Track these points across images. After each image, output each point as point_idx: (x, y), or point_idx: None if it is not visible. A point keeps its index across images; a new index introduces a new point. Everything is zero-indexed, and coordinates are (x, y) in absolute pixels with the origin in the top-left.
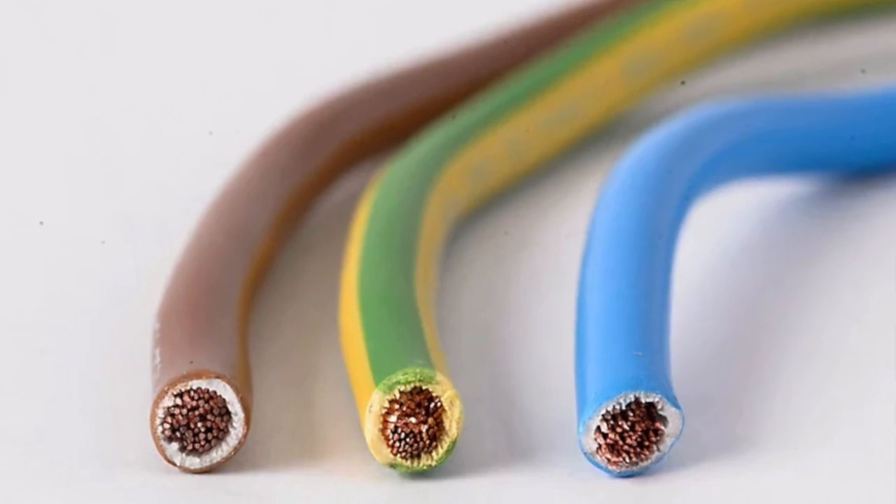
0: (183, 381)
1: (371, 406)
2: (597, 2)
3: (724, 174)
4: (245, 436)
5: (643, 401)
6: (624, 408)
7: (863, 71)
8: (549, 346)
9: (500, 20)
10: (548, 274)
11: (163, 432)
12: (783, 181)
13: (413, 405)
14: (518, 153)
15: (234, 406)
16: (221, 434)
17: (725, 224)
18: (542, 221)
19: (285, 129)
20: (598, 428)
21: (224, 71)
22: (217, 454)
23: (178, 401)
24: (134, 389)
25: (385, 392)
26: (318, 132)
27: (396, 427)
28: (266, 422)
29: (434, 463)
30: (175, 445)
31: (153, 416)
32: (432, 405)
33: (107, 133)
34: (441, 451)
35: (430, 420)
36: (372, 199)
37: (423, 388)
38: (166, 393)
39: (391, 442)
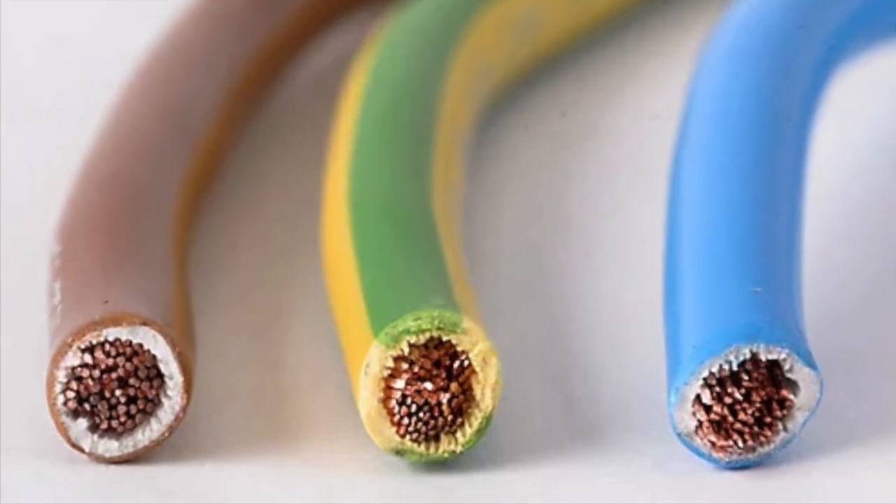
0: (94, 330)
1: (368, 365)
2: None
3: (880, 30)
4: (184, 409)
5: (763, 358)
6: (736, 368)
7: None
8: (626, 279)
9: None
10: (624, 174)
11: (65, 403)
12: None
13: (429, 365)
14: None
15: (169, 366)
16: (150, 406)
17: (881, 102)
18: (616, 98)
19: None
20: (699, 398)
21: None
22: (143, 435)
23: (88, 358)
24: (22, 342)
25: (388, 345)
26: None
27: (405, 396)
28: (215, 389)
29: (459, 448)
30: (83, 423)
31: (51, 380)
32: (457, 364)
33: None
34: (469, 431)
35: (454, 386)
36: (369, 64)
37: (444, 339)
38: (70, 347)
39: (398, 418)
